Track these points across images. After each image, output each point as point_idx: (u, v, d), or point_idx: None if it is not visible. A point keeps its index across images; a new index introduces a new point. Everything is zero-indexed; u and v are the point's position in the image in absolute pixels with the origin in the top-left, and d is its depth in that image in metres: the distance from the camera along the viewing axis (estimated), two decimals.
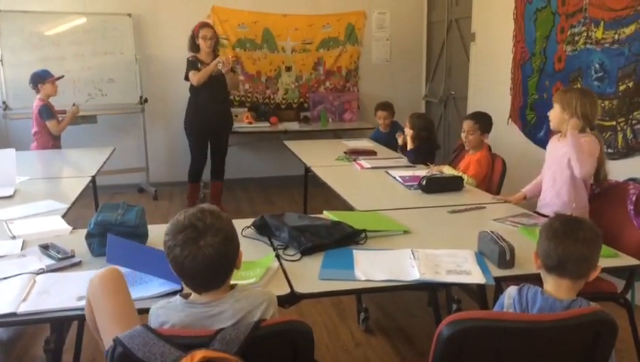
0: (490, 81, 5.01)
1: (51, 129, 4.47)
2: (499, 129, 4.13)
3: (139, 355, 1.24)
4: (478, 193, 3.05)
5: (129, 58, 5.67)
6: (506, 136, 4.54)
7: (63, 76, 4.75)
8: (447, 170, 3.37)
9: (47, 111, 4.47)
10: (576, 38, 3.77)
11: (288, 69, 6.38)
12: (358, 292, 2.74)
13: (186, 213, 1.41)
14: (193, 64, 4.86)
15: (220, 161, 5.19)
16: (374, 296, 3.33)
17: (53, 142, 4.54)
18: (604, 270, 1.99)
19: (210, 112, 4.94)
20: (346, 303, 3.31)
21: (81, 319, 1.62)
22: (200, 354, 1.22)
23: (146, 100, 5.79)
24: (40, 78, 4.54)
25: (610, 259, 2.02)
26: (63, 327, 2.12)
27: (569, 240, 1.54)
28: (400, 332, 3.02)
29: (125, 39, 5.66)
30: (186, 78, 4.91)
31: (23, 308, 1.61)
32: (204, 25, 4.92)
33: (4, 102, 5.31)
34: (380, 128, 4.97)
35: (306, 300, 3.15)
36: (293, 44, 6.32)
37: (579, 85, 3.74)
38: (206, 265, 1.36)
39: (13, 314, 1.59)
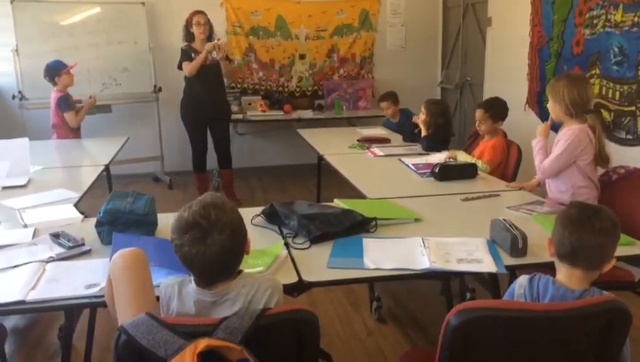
0: (507, 67, 4.92)
1: (69, 121, 4.48)
2: (515, 115, 4.06)
3: (143, 343, 1.24)
4: (492, 180, 3.00)
5: (143, 47, 5.68)
6: (523, 122, 4.46)
7: (76, 64, 4.74)
8: (462, 156, 3.32)
9: (65, 103, 4.47)
10: (595, 22, 3.68)
11: (302, 56, 6.34)
12: (366, 281, 2.71)
13: (190, 210, 1.39)
14: (186, 54, 4.82)
15: (223, 150, 5.16)
16: (387, 284, 3.31)
17: (72, 134, 4.55)
18: (620, 258, 1.96)
19: (204, 102, 4.89)
20: (358, 292, 3.29)
21: (89, 307, 1.62)
22: (203, 342, 1.21)
23: (160, 89, 5.80)
24: (55, 71, 4.52)
25: (627, 247, 1.97)
26: (72, 315, 2.13)
27: (584, 229, 1.50)
28: (413, 321, 3.00)
29: (139, 28, 5.66)
30: (180, 68, 4.89)
31: (32, 296, 1.62)
32: (197, 12, 4.85)
33: (19, 92, 5.36)
34: (389, 118, 4.94)
35: (318, 289, 3.16)
36: (307, 31, 6.28)
37: (597, 70, 3.66)
38: (214, 262, 1.36)
39: (22, 302, 1.60)
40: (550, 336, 1.37)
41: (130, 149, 4.80)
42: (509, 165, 3.34)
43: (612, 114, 3.57)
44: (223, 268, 1.39)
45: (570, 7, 3.95)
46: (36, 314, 3.03)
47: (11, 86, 5.46)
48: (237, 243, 1.40)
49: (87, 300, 1.62)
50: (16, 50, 5.28)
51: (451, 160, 3.23)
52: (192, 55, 4.80)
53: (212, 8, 5.11)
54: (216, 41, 4.73)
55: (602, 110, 3.63)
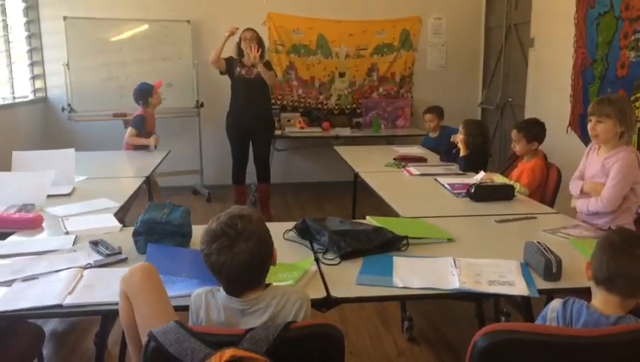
0: (549, 88, 4.84)
1: (127, 135, 4.62)
2: (558, 137, 3.99)
3: (170, 350, 1.27)
4: (529, 203, 2.95)
5: (187, 63, 5.85)
6: (565, 144, 4.38)
7: (161, 81, 4.94)
8: (498, 179, 3.27)
9: (138, 122, 4.61)
10: None
11: (342, 74, 6.39)
12: (394, 299, 2.68)
13: (218, 221, 1.44)
14: (231, 63, 4.99)
15: (261, 164, 5.24)
16: (420, 305, 3.28)
17: (133, 146, 4.67)
18: None
19: (246, 115, 5.02)
20: (390, 311, 3.27)
21: None
22: (229, 352, 1.23)
23: (202, 104, 5.95)
24: (148, 92, 4.69)
25: None
26: (107, 320, 2.18)
27: (623, 256, 1.46)
28: (444, 343, 2.95)
29: (184, 45, 5.84)
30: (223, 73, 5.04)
31: (69, 301, 1.68)
32: (247, 29, 5.00)
33: (69, 105, 5.57)
34: (429, 133, 4.94)
35: (350, 306, 3.16)
36: (347, 49, 6.34)
37: None
38: (242, 269, 1.40)
39: (59, 306, 1.66)
40: None
41: (172, 162, 4.93)
42: (549, 188, 3.27)
43: None
44: (250, 276, 1.42)
45: (615, 30, 3.87)
46: (75, 320, 3.12)
47: (61, 99, 5.71)
48: (263, 253, 1.43)
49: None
50: (67, 64, 5.51)
51: (487, 181, 3.19)
52: (237, 66, 4.95)
53: (255, 27, 5.20)
54: (235, 27, 4.88)
55: None
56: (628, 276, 1.45)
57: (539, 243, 1.95)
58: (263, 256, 1.43)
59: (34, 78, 5.85)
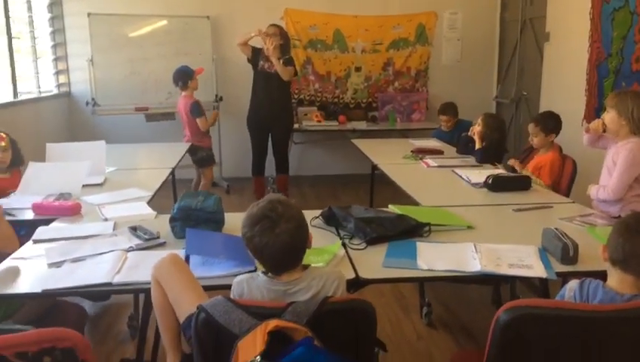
0: (564, 82, 4.91)
1: (200, 125, 4.79)
2: (572, 130, 4.06)
3: (220, 321, 1.39)
4: (546, 193, 3.04)
5: (206, 58, 5.97)
6: (580, 137, 4.38)
7: (203, 69, 5.10)
8: (518, 167, 3.36)
9: (197, 109, 4.79)
10: None
11: (358, 69, 6.48)
12: (419, 281, 2.79)
13: (258, 206, 1.56)
14: (256, 53, 5.14)
15: (280, 156, 5.37)
16: (437, 291, 3.38)
17: (205, 137, 4.89)
18: None
19: (265, 109, 5.17)
20: (409, 298, 3.38)
21: None
22: (273, 323, 1.35)
23: (221, 98, 6.08)
24: (189, 76, 4.84)
25: None
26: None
27: (638, 238, 1.56)
28: (462, 328, 3.06)
29: (204, 40, 5.96)
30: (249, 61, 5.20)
31: (117, 279, 1.81)
32: (271, 25, 5.13)
33: (93, 99, 5.73)
34: (443, 128, 5.02)
35: (371, 293, 3.28)
36: (364, 44, 6.42)
37: None
38: (283, 249, 1.51)
39: (109, 284, 1.79)
40: (597, 336, 1.44)
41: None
42: (564, 179, 3.36)
43: None
44: (291, 256, 1.54)
45: (630, 25, 3.93)
46: (107, 304, 3.27)
47: (85, 93, 5.86)
48: (302, 234, 1.55)
49: None
50: (91, 60, 5.66)
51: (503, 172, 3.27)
52: (261, 59, 5.10)
53: (273, 22, 5.32)
54: (263, 30, 4.98)
55: None
56: None
57: (556, 229, 2.05)
58: (302, 236, 1.55)
59: (58, 73, 6.00)
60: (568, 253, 1.93)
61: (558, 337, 1.45)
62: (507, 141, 4.11)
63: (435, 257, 2.00)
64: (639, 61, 3.86)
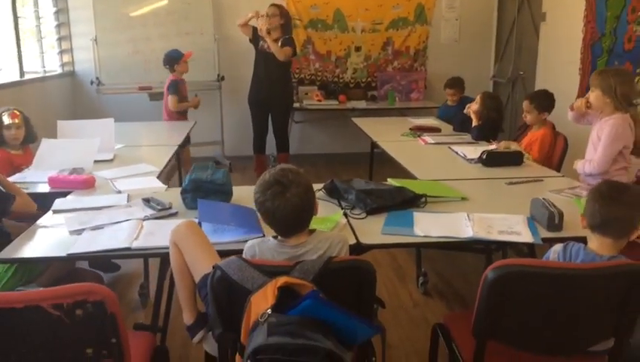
0: (559, 61, 5.02)
1: (169, 102, 4.93)
2: (566, 108, 4.17)
3: (234, 278, 1.53)
4: (537, 168, 3.18)
5: (208, 38, 6.06)
6: None
7: (192, 52, 5.20)
8: (514, 147, 3.49)
9: (173, 87, 4.94)
10: None
11: (358, 48, 6.57)
12: (415, 246, 2.90)
13: (270, 173, 1.71)
14: (256, 32, 5.26)
15: (279, 135, 5.51)
16: (433, 262, 3.54)
17: (177, 116, 4.99)
18: None
19: (264, 88, 5.30)
20: (405, 268, 3.54)
21: None
22: (282, 279, 1.49)
23: (222, 78, 6.17)
24: (175, 60, 5.00)
25: None
26: (166, 262, 2.46)
27: (613, 203, 1.71)
28: (456, 296, 3.22)
29: (205, 20, 6.04)
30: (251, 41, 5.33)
31: (136, 244, 1.96)
32: (271, 5, 5.21)
33: (97, 78, 5.83)
34: (448, 102, 5.13)
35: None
36: (363, 24, 6.50)
37: None
38: (294, 211, 1.66)
39: (128, 249, 1.94)
40: (577, 292, 1.59)
41: (194, 134, 5.16)
42: (555, 155, 3.50)
43: None
44: (300, 219, 1.68)
45: (624, 5, 4.04)
46: (117, 274, 3.42)
47: (90, 72, 5.97)
48: (311, 198, 1.70)
49: None
50: (95, 39, 5.75)
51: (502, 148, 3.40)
52: (261, 40, 5.20)
53: (274, 1, 5.39)
54: (259, 13, 5.07)
55: None
56: (619, 219, 1.70)
57: (544, 199, 2.19)
58: (310, 200, 1.69)
59: (62, 52, 6.09)
60: (554, 220, 2.07)
61: (541, 293, 1.60)
62: (504, 120, 4.22)
63: (430, 225, 2.15)
64: (631, 41, 3.97)
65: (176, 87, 4.94)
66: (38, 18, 5.65)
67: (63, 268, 2.41)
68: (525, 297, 1.61)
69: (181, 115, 5.05)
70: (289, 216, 1.65)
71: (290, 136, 5.88)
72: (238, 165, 6.21)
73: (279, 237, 1.73)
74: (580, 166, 2.94)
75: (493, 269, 1.58)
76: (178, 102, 4.95)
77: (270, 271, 1.54)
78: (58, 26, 6.04)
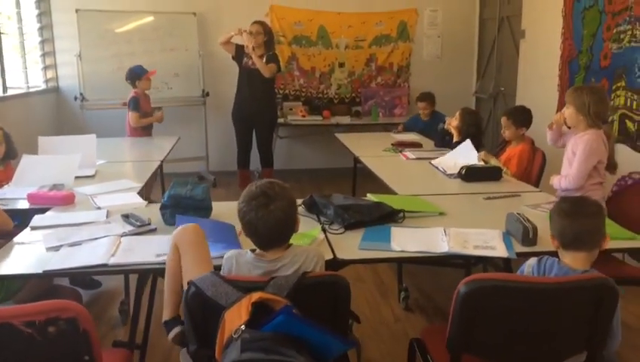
0: (539, 78, 5.11)
1: (130, 119, 4.92)
2: (545, 123, 4.24)
3: (208, 294, 1.54)
4: (515, 183, 3.22)
5: (193, 54, 6.09)
6: None
7: (155, 71, 5.21)
8: (493, 161, 3.53)
9: (133, 103, 4.93)
10: (622, 36, 3.86)
11: (341, 65, 6.64)
12: (392, 261, 2.91)
13: (257, 184, 1.73)
14: (238, 49, 5.34)
15: (263, 150, 5.57)
16: (414, 278, 3.56)
17: (139, 132, 4.98)
18: (623, 251, 2.21)
19: (248, 104, 5.35)
20: (388, 284, 3.56)
21: (158, 272, 1.94)
22: (257, 295, 1.50)
23: (207, 94, 6.20)
24: (137, 75, 5.02)
25: (629, 241, 2.19)
26: (145, 277, 2.46)
27: (580, 216, 1.75)
28: (437, 311, 3.24)
29: (190, 37, 6.08)
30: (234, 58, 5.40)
31: (113, 261, 1.95)
32: (254, 22, 5.29)
33: (81, 94, 5.82)
34: (421, 117, 5.21)
35: (351, 279, 3.43)
36: (347, 40, 6.58)
37: (623, 83, 3.83)
38: (276, 225, 1.67)
39: (105, 265, 1.93)
40: (549, 306, 1.62)
41: (178, 149, 5.17)
42: (534, 170, 3.55)
43: (636, 124, 3.74)
44: (281, 233, 1.70)
45: (599, 23, 4.13)
46: (99, 291, 3.40)
47: (74, 88, 5.96)
48: (293, 214, 1.72)
49: (157, 266, 1.94)
50: (80, 55, 5.75)
51: (482, 163, 3.44)
52: (244, 55, 5.28)
53: (259, 18, 5.45)
54: (243, 29, 5.14)
55: (627, 121, 3.81)
56: (589, 231, 1.73)
57: (518, 213, 2.22)
58: (293, 216, 1.72)
59: (46, 68, 6.08)
60: (528, 234, 2.10)
61: (512, 306, 1.62)
62: (484, 135, 4.28)
63: (407, 240, 2.17)
64: (607, 58, 4.06)
65: (137, 104, 4.94)
66: (22, 34, 5.65)
67: (41, 285, 2.39)
68: (498, 311, 1.63)
69: (144, 131, 5.04)
70: (271, 228, 1.67)
71: (275, 152, 5.92)
72: (222, 180, 6.22)
73: (257, 251, 1.74)
74: (556, 181, 2.99)
75: (466, 284, 1.61)
76: (140, 117, 4.95)
77: (244, 287, 1.55)
78: (42, 42, 6.03)
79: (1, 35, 5.03)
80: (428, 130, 4.90)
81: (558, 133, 3.16)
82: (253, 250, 1.75)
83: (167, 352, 2.72)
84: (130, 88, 5.08)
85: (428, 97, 5.27)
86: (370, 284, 3.59)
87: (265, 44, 5.20)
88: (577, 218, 1.73)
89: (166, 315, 1.84)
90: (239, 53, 5.28)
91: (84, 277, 3.36)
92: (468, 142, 3.61)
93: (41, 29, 6.00)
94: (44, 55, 6.06)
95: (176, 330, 1.78)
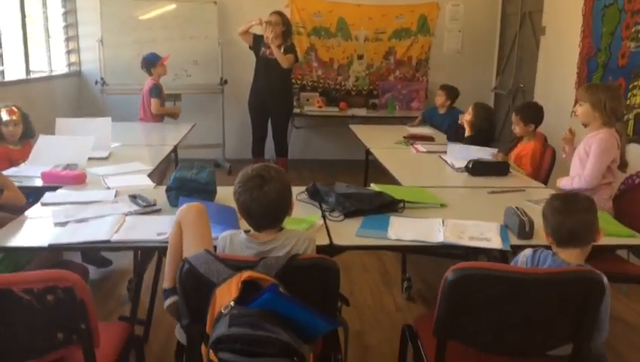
0: (557, 75, 5.06)
1: (152, 106, 4.99)
2: (563, 120, 4.22)
3: (201, 271, 1.59)
4: (522, 178, 3.22)
5: (212, 42, 6.16)
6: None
7: (169, 56, 5.25)
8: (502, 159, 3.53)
9: (156, 91, 5.00)
10: None
11: (360, 57, 6.65)
12: (386, 249, 2.92)
13: (253, 167, 1.78)
14: (256, 38, 5.36)
15: (278, 140, 5.60)
16: (419, 269, 3.58)
17: (154, 119, 5.06)
18: (622, 247, 2.22)
19: (264, 93, 5.38)
20: (392, 274, 3.59)
21: (159, 249, 2.00)
22: (246, 273, 1.55)
23: (225, 82, 6.27)
24: (151, 63, 5.07)
25: (628, 238, 2.19)
26: (146, 256, 2.53)
27: (573, 213, 1.76)
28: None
29: (210, 25, 6.14)
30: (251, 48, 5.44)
31: (116, 238, 2.02)
32: (273, 12, 5.30)
33: (102, 79, 5.94)
34: (439, 107, 5.18)
35: (357, 270, 3.50)
36: (366, 33, 6.58)
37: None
38: (268, 206, 1.72)
39: (108, 241, 2.00)
40: (534, 297, 1.64)
41: (196, 136, 5.30)
42: (543, 168, 3.53)
43: None
44: (274, 215, 1.75)
45: (618, 21, 4.08)
46: (109, 269, 3.50)
47: (95, 73, 6.08)
48: (287, 197, 1.76)
49: (157, 244, 2.01)
50: (101, 40, 5.87)
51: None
52: (262, 46, 5.30)
53: (279, 8, 5.48)
54: (264, 20, 5.16)
55: None
56: (584, 226, 1.75)
57: (517, 207, 2.23)
58: (287, 199, 1.76)
59: (69, 52, 6.21)
60: (524, 228, 2.11)
61: (499, 296, 1.65)
62: (496, 130, 4.27)
63: (404, 229, 2.20)
64: (625, 57, 4.01)
65: (159, 91, 5.01)
66: (46, 19, 5.77)
67: (49, 259, 2.47)
68: (483, 299, 1.66)
69: (159, 118, 5.12)
70: (265, 210, 1.71)
71: (290, 142, 5.96)
72: (238, 168, 6.16)
73: (251, 232, 1.79)
74: (566, 182, 2.96)
75: (453, 271, 1.64)
76: (160, 105, 5.02)
77: (235, 266, 1.60)
78: (66, 27, 6.16)
79: (26, 20, 5.14)
80: (441, 124, 4.89)
81: (572, 149, 3.14)
82: (247, 231, 1.80)
83: (171, 329, 2.78)
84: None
85: (446, 88, 5.19)
86: (374, 274, 3.62)
87: (282, 35, 5.24)
88: (571, 214, 1.74)
89: (166, 284, 1.92)
90: (257, 42, 5.33)
91: (95, 256, 3.47)
92: (491, 150, 3.60)
93: (65, 14, 6.12)
94: (67, 39, 6.19)
95: (172, 299, 1.84)
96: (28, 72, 5.20)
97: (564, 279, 1.63)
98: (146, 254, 2.52)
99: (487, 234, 2.14)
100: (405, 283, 3.32)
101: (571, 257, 1.78)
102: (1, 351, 1.56)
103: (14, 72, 5.02)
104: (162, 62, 5.11)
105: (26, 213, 2.31)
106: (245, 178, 1.74)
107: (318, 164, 6.63)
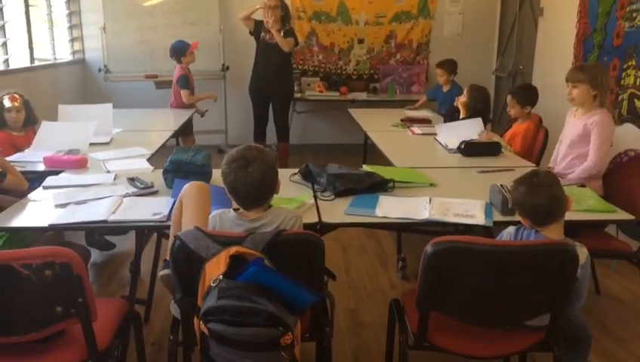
0: (555, 56, 5.07)
1: (183, 97, 5.03)
2: (560, 103, 4.23)
3: (191, 246, 1.68)
4: (513, 158, 3.27)
5: (214, 28, 6.21)
6: (566, 109, 4.61)
7: (197, 43, 5.26)
8: (496, 139, 3.58)
9: (184, 81, 5.03)
10: (634, 15, 3.82)
11: (361, 41, 6.67)
12: (372, 226, 2.94)
13: (237, 149, 1.84)
14: (257, 24, 5.40)
15: (280, 124, 5.65)
16: (415, 248, 3.65)
17: (184, 107, 5.09)
18: (604, 222, 2.30)
19: (264, 79, 5.43)
20: (388, 254, 3.67)
21: (154, 229, 2.08)
22: (234, 248, 1.63)
23: (227, 68, 6.32)
24: (181, 51, 5.08)
25: (609, 213, 2.25)
26: (143, 235, 2.63)
27: (542, 189, 1.81)
28: None
29: (211, 11, 6.19)
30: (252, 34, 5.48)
31: (113, 218, 2.11)
32: None
33: (105, 66, 6.02)
34: (442, 86, 5.21)
35: (355, 251, 3.56)
36: (367, 16, 6.60)
37: (634, 62, 3.80)
38: (253, 186, 1.79)
39: (105, 221, 2.09)
40: (510, 269, 1.71)
41: (198, 122, 5.36)
42: (536, 148, 3.58)
43: None
44: (260, 194, 1.82)
45: (614, 1, 4.09)
46: (112, 252, 3.60)
47: (98, 60, 6.16)
48: (272, 176, 1.82)
49: (152, 223, 2.10)
50: (104, 28, 5.93)
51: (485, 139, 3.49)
52: (263, 31, 5.34)
53: None
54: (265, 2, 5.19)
55: (636, 100, 3.79)
56: (556, 199, 1.80)
57: (501, 185, 2.29)
58: (272, 178, 1.82)
59: (72, 40, 6.29)
60: (507, 204, 2.18)
61: (476, 268, 1.72)
62: (490, 111, 4.31)
63: (392, 207, 2.27)
64: (620, 37, 4.02)
65: (187, 81, 5.04)
66: (49, 7, 5.84)
67: (52, 240, 2.57)
68: (462, 271, 1.73)
69: (189, 107, 5.17)
70: (250, 189, 1.78)
71: (292, 126, 6.02)
72: None
73: (240, 210, 1.87)
74: (571, 178, 2.91)
75: (432, 244, 1.71)
76: (190, 94, 5.05)
77: (223, 242, 1.67)
78: (69, 15, 6.23)
79: (30, 8, 5.21)
80: (446, 101, 4.92)
81: None
82: (236, 209, 1.88)
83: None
84: (172, 63, 5.16)
85: (443, 65, 5.23)
86: (372, 254, 3.70)
87: (282, 19, 5.27)
88: (540, 192, 1.79)
89: (167, 256, 2.00)
90: (257, 28, 5.37)
91: (99, 239, 3.57)
92: (479, 120, 3.66)
93: (68, 2, 6.18)
94: (71, 27, 6.26)
95: (166, 271, 1.93)
96: (32, 60, 5.28)
97: (537, 251, 1.70)
98: (143, 234, 2.60)
99: (471, 211, 2.21)
100: (400, 263, 3.39)
101: (552, 233, 1.84)
102: (5, 325, 1.66)
103: (19, 60, 5.10)
104: (191, 50, 5.10)
105: (29, 195, 2.41)
106: (230, 159, 1.81)
107: (320, 148, 6.69)
